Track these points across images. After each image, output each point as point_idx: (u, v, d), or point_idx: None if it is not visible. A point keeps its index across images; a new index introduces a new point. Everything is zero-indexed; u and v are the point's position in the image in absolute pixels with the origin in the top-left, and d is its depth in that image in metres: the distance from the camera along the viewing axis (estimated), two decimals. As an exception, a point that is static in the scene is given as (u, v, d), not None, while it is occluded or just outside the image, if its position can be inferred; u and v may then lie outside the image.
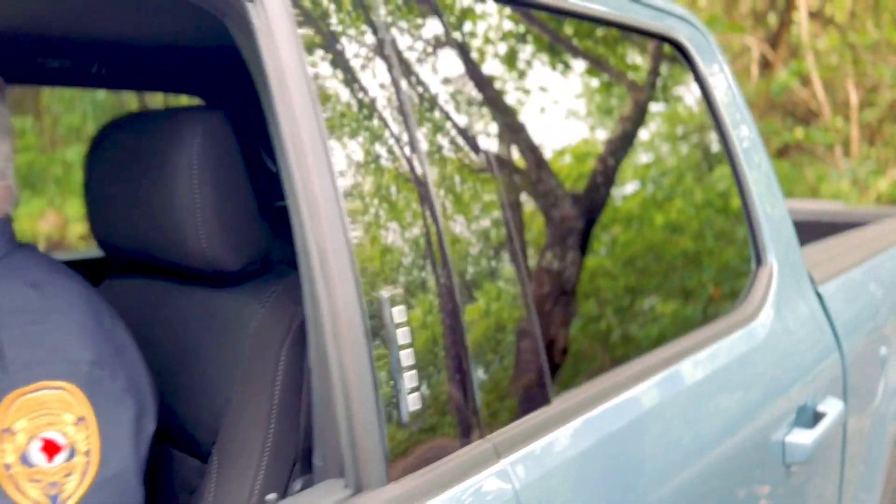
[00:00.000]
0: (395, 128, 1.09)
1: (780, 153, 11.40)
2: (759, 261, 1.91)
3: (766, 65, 12.07)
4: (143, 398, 1.10)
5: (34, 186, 6.52)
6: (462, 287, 1.12)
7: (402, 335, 1.00)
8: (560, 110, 1.51)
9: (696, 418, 1.47)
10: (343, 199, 0.99)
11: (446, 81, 1.20)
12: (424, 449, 1.02)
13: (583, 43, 1.63)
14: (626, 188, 1.66)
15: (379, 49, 1.11)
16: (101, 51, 2.04)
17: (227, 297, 1.29)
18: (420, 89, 1.15)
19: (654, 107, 1.82)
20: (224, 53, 1.47)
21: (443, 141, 1.16)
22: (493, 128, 1.29)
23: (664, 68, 1.87)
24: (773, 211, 1.99)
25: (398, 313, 1.01)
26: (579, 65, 1.60)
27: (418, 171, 1.10)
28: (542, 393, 1.21)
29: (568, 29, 1.58)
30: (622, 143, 1.68)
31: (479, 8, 1.35)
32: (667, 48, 1.86)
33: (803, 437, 1.69)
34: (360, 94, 1.06)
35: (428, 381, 1.04)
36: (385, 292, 1.00)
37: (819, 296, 2.04)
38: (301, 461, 1.15)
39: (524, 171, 1.35)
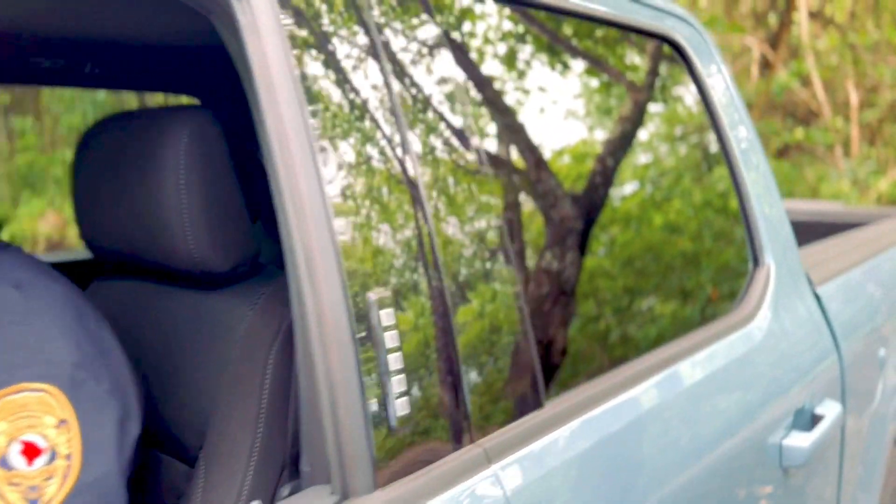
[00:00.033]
0: (385, 127, 1.07)
1: (781, 153, 11.39)
2: (757, 262, 1.89)
3: (766, 65, 12.07)
4: (128, 401, 1.09)
5: (34, 186, 6.51)
6: (453, 289, 1.10)
7: (391, 338, 0.99)
8: (556, 110, 1.49)
9: (691, 422, 1.45)
10: (330, 199, 0.97)
11: (437, 80, 1.18)
12: (413, 454, 1.00)
13: (582, 43, 1.62)
14: (625, 188, 1.65)
15: (368, 47, 1.09)
16: (94, 50, 2.03)
17: (216, 299, 1.28)
18: (410, 88, 1.13)
19: (647, 105, 1.80)
20: (219, 53, 1.46)
21: (434, 140, 1.14)
22: (486, 127, 1.27)
23: (663, 68, 1.85)
24: (770, 211, 1.97)
25: (386, 316, 0.99)
26: (575, 64, 1.59)
27: (409, 171, 1.08)
28: (534, 396, 1.19)
29: (564, 27, 1.56)
30: (619, 144, 1.66)
31: (472, 5, 1.33)
32: (664, 48, 1.85)
33: (801, 441, 1.67)
34: (349, 93, 1.04)
35: (417, 385, 1.02)
36: (373, 294, 0.98)
37: (817, 297, 2.02)
38: (289, 466, 1.14)
39: (517, 171, 1.34)
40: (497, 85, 1.34)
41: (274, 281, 1.26)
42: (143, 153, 1.23)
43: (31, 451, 0.97)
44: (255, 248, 1.28)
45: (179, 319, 1.31)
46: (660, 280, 1.68)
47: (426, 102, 1.15)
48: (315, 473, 0.99)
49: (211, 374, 1.24)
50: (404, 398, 0.99)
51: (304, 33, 1.02)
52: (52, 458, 0.98)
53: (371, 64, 1.09)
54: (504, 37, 1.38)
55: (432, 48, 1.19)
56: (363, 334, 0.96)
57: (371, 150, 1.05)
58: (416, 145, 1.10)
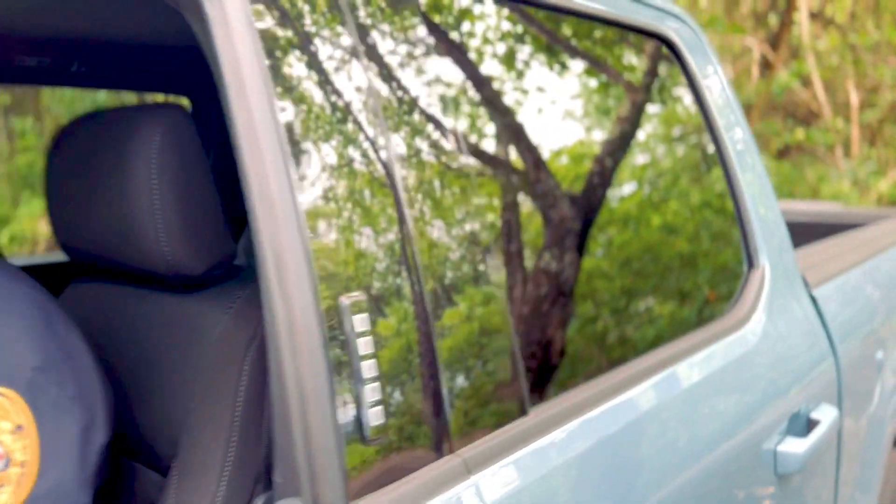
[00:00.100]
0: (362, 125, 1.03)
1: (781, 154, 11.37)
2: (752, 263, 1.85)
3: (766, 66, 12.06)
4: (94, 408, 1.05)
5: (34, 187, 6.48)
6: (433, 294, 1.06)
7: (365, 345, 0.95)
8: (549, 110, 1.45)
9: (682, 429, 1.41)
10: (300, 199, 0.93)
11: (417, 77, 1.14)
12: (387, 466, 0.96)
13: (581, 43, 1.58)
14: (622, 189, 1.61)
15: (345, 41, 1.05)
16: (80, 49, 2.00)
17: (191, 302, 1.24)
18: (389, 85, 1.09)
19: (645, 106, 1.77)
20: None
21: (414, 140, 1.10)
22: (472, 127, 1.23)
23: (661, 69, 1.81)
24: (765, 213, 1.93)
25: (360, 321, 0.95)
26: (573, 64, 1.55)
27: (386, 171, 1.04)
28: (518, 404, 1.15)
29: (560, 26, 1.52)
30: (617, 145, 1.62)
31: (466, 2, 1.29)
32: (660, 47, 1.81)
33: (796, 446, 1.63)
34: (323, 89, 1.00)
35: (393, 393, 0.98)
36: (346, 299, 0.94)
37: (813, 299, 1.98)
38: (264, 477, 1.10)
39: (508, 171, 1.30)
40: (488, 84, 1.30)
41: (251, 284, 1.22)
42: (115, 153, 1.19)
43: None
44: (230, 250, 1.24)
45: (153, 323, 1.27)
46: (656, 282, 1.64)
47: (406, 100, 1.11)
48: (287, 485, 0.95)
49: (184, 380, 1.20)
50: (379, 407, 0.95)
51: (276, 27, 0.98)
52: (7, 465, 0.94)
53: (348, 59, 1.05)
54: (497, 35, 1.35)
55: (413, 43, 1.16)
56: (335, 340, 0.93)
57: (347, 150, 1.01)
58: (394, 145, 1.06)
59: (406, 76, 1.12)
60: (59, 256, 2.26)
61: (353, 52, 1.06)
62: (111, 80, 2.26)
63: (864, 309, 2.31)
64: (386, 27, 1.12)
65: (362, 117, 1.04)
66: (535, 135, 1.39)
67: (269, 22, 0.98)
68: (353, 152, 1.01)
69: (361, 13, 1.09)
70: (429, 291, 1.05)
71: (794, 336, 1.84)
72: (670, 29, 1.81)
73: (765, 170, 2.02)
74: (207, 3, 0.94)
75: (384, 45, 1.10)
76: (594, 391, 1.27)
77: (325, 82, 1.01)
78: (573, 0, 1.51)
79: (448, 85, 1.20)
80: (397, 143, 1.07)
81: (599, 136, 1.60)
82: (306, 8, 1.02)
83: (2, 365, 0.98)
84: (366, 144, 1.03)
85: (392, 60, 1.11)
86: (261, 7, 0.97)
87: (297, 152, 0.95)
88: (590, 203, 1.49)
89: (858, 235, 2.80)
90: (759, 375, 1.67)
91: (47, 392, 0.99)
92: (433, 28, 1.21)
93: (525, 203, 1.32)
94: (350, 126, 1.02)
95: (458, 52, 1.26)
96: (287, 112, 0.96)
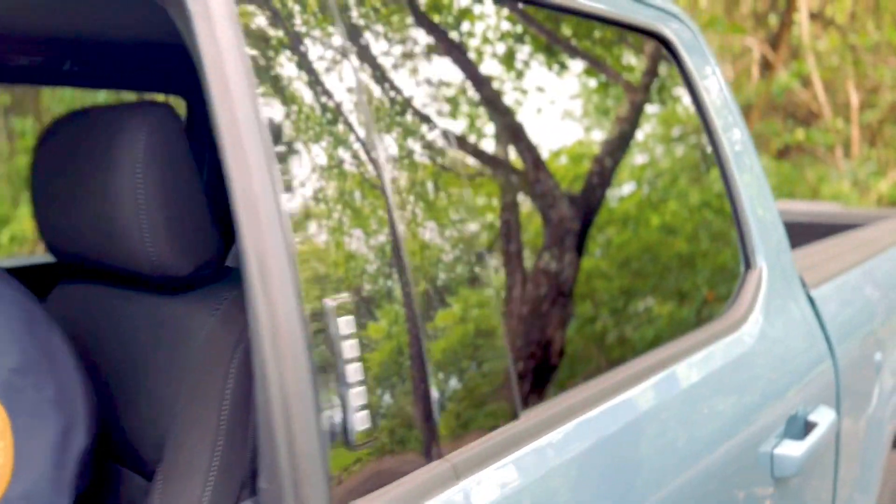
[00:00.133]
0: (347, 123, 1.01)
1: (781, 154, 11.37)
2: (749, 264, 1.83)
3: (766, 66, 12.06)
4: (75, 411, 1.03)
5: (34, 187, 6.46)
6: (422, 296, 1.04)
7: (350, 348, 0.93)
8: (531, 109, 1.43)
9: (677, 432, 1.39)
10: (285, 199, 0.91)
11: (403, 74, 1.12)
12: (373, 471, 0.94)
13: (580, 43, 1.56)
14: (620, 189, 1.59)
15: (332, 36, 1.03)
16: (72, 48, 1.98)
17: (177, 304, 1.22)
18: (378, 82, 1.07)
19: (644, 106, 1.75)
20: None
21: (401, 140, 1.08)
22: (459, 126, 1.21)
23: (661, 69, 1.79)
24: (763, 214, 1.91)
25: (346, 324, 0.93)
26: (570, 63, 1.53)
27: (373, 171, 1.02)
28: (509, 407, 1.13)
29: (553, 23, 1.50)
30: (616, 145, 1.60)
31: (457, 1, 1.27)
32: (658, 47, 1.79)
33: (793, 449, 1.61)
34: (309, 86, 0.98)
35: (380, 398, 0.96)
36: (331, 301, 0.92)
37: (811, 300, 1.96)
38: (249, 483, 1.08)
39: (499, 171, 1.28)
40: (482, 83, 1.28)
41: (239, 286, 1.20)
42: (101, 152, 1.18)
43: None
44: (217, 251, 1.22)
45: (140, 325, 1.25)
46: (654, 282, 1.62)
47: (395, 99, 1.09)
48: (271, 491, 0.93)
49: (170, 383, 1.18)
50: (365, 411, 0.93)
51: (261, 22, 0.96)
52: None
53: (335, 57, 1.03)
54: (493, 34, 1.33)
55: (403, 41, 1.14)
56: (320, 343, 0.91)
57: (333, 150, 0.99)
58: (382, 145, 1.04)
59: (395, 75, 1.10)
60: (49, 257, 2.25)
61: (342, 50, 1.04)
62: (105, 79, 2.24)
63: (863, 310, 2.29)
64: (376, 24, 1.10)
65: (350, 116, 1.02)
66: (531, 134, 1.37)
67: (253, 17, 0.96)
68: (339, 152, 0.99)
69: (351, 9, 1.07)
70: (417, 294, 1.03)
71: (791, 337, 1.82)
72: (667, 28, 1.79)
73: (762, 171, 2.00)
74: (190, -1, 0.92)
75: (374, 43, 1.08)
76: (586, 394, 1.25)
77: (311, 80, 0.99)
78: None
79: (437, 84, 1.18)
80: (386, 144, 1.05)
81: (599, 136, 1.58)
82: (293, 3, 1.00)
83: None
84: (353, 144, 1.01)
85: (381, 58, 1.09)
86: (246, 2, 0.95)
87: (281, 152, 0.93)
88: (589, 203, 1.47)
89: (857, 236, 2.78)
90: (755, 377, 1.65)
91: (24, 394, 0.98)
92: (424, 25, 1.19)
93: (523, 203, 1.30)
94: (337, 125, 1.00)
95: (452, 50, 1.24)
96: (272, 110, 0.93)
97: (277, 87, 0.95)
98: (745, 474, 1.53)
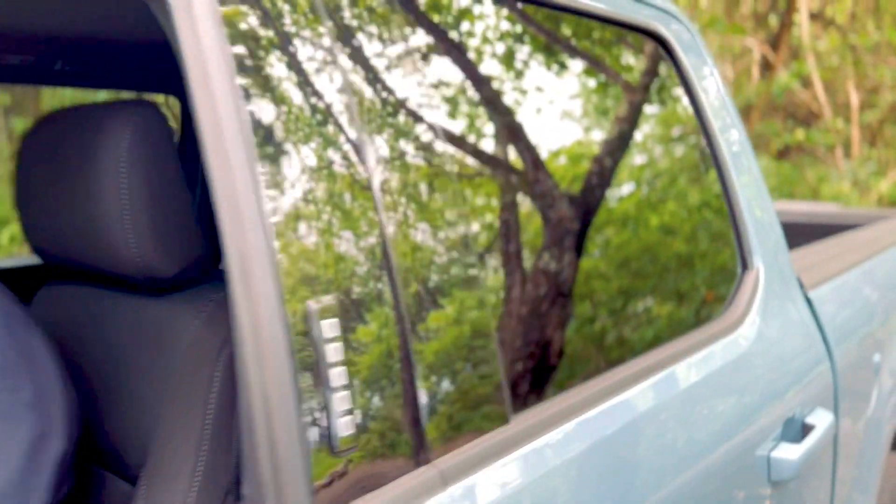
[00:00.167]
0: (333, 121, 0.99)
1: (781, 154, 11.37)
2: (745, 265, 1.81)
3: (767, 66, 12.06)
4: (52, 416, 1.01)
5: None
6: (410, 298, 1.02)
7: (334, 351, 0.91)
8: (519, 108, 1.41)
9: (671, 436, 1.37)
10: (267, 198, 0.89)
11: (390, 72, 1.10)
12: (358, 477, 0.92)
13: (580, 42, 1.54)
14: (620, 190, 1.57)
15: (315, 33, 1.01)
16: (64, 47, 1.96)
17: (162, 306, 1.20)
18: (365, 79, 1.05)
19: (642, 106, 1.72)
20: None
21: (391, 139, 1.06)
22: (452, 125, 1.19)
23: (653, 67, 1.77)
24: (760, 214, 1.89)
25: (329, 327, 0.91)
26: (568, 63, 1.51)
27: (359, 171, 1.00)
28: (499, 412, 1.11)
29: (549, 22, 1.48)
30: (615, 145, 1.58)
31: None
32: (654, 45, 1.76)
33: (790, 453, 1.59)
34: (291, 82, 0.96)
35: (365, 402, 0.94)
36: (314, 303, 0.90)
37: (809, 301, 1.94)
38: (234, 489, 1.06)
39: (489, 172, 1.26)
40: (475, 83, 1.26)
41: (226, 287, 1.18)
42: (85, 151, 1.16)
43: None
44: (204, 252, 1.20)
45: (125, 327, 1.23)
46: (653, 282, 1.60)
47: (382, 97, 1.07)
48: (255, 498, 0.91)
49: (155, 386, 1.16)
50: (349, 416, 0.91)
51: (244, 16, 0.94)
52: None
53: (321, 53, 1.01)
54: (485, 32, 1.31)
55: (390, 35, 1.11)
56: (303, 347, 0.88)
57: (318, 149, 0.96)
58: (369, 144, 1.02)
59: (381, 72, 1.08)
60: (25, 259, 2.23)
61: (328, 47, 1.01)
62: (99, 79, 2.22)
63: (862, 311, 2.27)
64: (363, 20, 1.08)
65: (335, 115, 0.99)
66: (531, 134, 1.35)
67: (237, 12, 0.93)
68: (325, 152, 0.97)
69: (339, 5, 1.05)
70: (405, 296, 1.01)
71: (788, 339, 1.80)
72: (664, 27, 1.77)
73: (760, 171, 1.98)
74: (170, -9, 0.90)
75: (361, 40, 1.06)
76: (578, 398, 1.22)
77: (296, 78, 0.97)
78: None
79: (424, 82, 1.16)
80: (373, 143, 1.03)
81: (598, 136, 1.56)
82: None
83: None
84: (339, 144, 0.99)
85: (368, 55, 1.07)
86: (228, -1, 0.93)
87: (264, 151, 0.91)
88: (588, 203, 1.45)
89: (856, 236, 2.76)
90: (752, 380, 1.63)
91: None
92: (414, 22, 1.17)
93: (522, 203, 1.28)
94: (322, 124, 0.98)
95: (443, 48, 1.22)
96: (254, 108, 0.91)
97: (261, 85, 0.93)
98: (740, 478, 1.51)
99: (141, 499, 1.08)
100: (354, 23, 1.06)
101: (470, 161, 1.20)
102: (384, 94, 1.07)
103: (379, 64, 1.08)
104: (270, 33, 0.96)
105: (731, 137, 1.88)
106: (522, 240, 1.27)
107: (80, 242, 1.19)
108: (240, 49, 0.92)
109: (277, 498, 0.85)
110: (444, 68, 1.19)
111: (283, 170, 0.92)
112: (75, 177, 1.16)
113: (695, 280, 1.73)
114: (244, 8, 0.94)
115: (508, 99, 1.31)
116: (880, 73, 10.79)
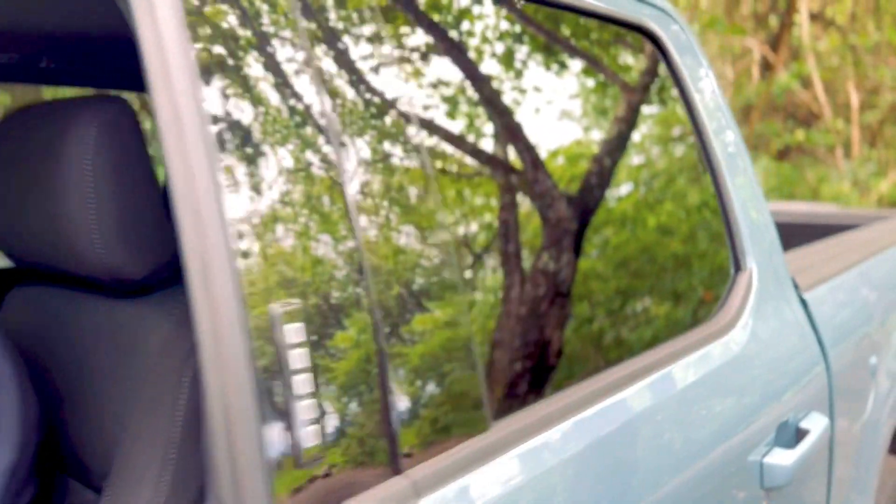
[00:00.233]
0: (300, 118, 0.95)
1: (781, 155, 11.34)
2: (738, 266, 1.77)
3: (767, 67, 12.04)
4: (7, 425, 0.97)
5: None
6: (382, 302, 0.98)
7: (299, 357, 0.86)
8: (508, 108, 1.37)
9: (659, 444, 1.32)
10: (228, 198, 0.85)
11: (365, 65, 1.06)
12: (324, 490, 0.87)
13: (580, 42, 1.50)
14: (616, 190, 1.53)
15: (281, 25, 0.97)
16: (47, 44, 1.93)
17: (132, 308, 1.16)
18: (334, 72, 1.01)
19: (640, 106, 1.68)
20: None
21: (362, 137, 1.02)
22: (451, 126, 1.15)
23: (652, 67, 1.73)
24: (755, 216, 1.85)
25: (294, 331, 0.87)
26: (563, 63, 1.47)
27: (327, 171, 0.96)
28: (477, 419, 1.07)
29: (549, 22, 1.44)
30: (610, 145, 1.54)
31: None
32: (647, 44, 1.72)
33: (783, 458, 1.55)
34: (257, 77, 0.92)
35: (333, 411, 0.90)
36: (278, 307, 0.86)
37: (804, 302, 1.90)
38: (202, 500, 1.02)
39: (477, 172, 1.22)
40: (479, 82, 1.22)
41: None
42: (49, 149, 1.12)
43: None
44: (175, 253, 1.16)
45: (92, 330, 1.19)
46: (651, 283, 1.56)
47: (351, 96, 1.03)
48: (216, 511, 0.87)
49: (121, 391, 1.12)
50: (315, 426, 0.87)
51: (206, 7, 0.90)
52: None
53: (286, 47, 0.96)
54: (482, 31, 1.27)
55: (361, 33, 1.07)
56: (264, 353, 0.84)
57: (285, 146, 0.92)
58: (337, 141, 0.98)
59: (352, 70, 1.04)
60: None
61: (292, 42, 0.97)
62: (85, 77, 2.19)
63: (858, 312, 2.23)
64: (332, 15, 1.04)
65: (302, 111, 0.95)
66: (529, 134, 1.31)
67: (199, 3, 0.89)
68: (291, 150, 0.93)
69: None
70: (378, 301, 0.97)
71: (782, 341, 1.76)
72: (657, 26, 1.73)
73: (755, 173, 1.94)
74: (129, -19, 0.86)
75: (330, 34, 1.02)
76: (559, 405, 1.18)
77: (259, 73, 0.93)
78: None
79: (398, 80, 1.12)
80: (341, 141, 0.98)
81: (597, 136, 1.52)
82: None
83: None
84: (306, 141, 0.95)
85: (338, 52, 1.03)
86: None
87: (226, 149, 0.87)
88: (586, 204, 1.41)
89: (853, 237, 2.72)
90: (744, 383, 1.59)
91: None
92: (412, 21, 1.13)
93: (521, 203, 1.24)
94: (289, 121, 0.94)
95: (431, 46, 1.18)
96: (216, 104, 0.87)
97: (223, 80, 0.89)
98: (732, 486, 1.47)
99: (105, 508, 1.04)
100: (323, 15, 1.02)
101: (469, 161, 1.16)
102: (346, 90, 1.03)
103: (348, 57, 1.04)
104: (234, 28, 0.92)
105: (726, 139, 1.84)
106: (521, 240, 1.23)
107: (46, 243, 1.15)
108: (201, 42, 0.88)
109: (238, 511, 0.81)
110: (442, 68, 1.15)
111: (246, 168, 0.88)
112: (40, 175, 1.12)
113: (693, 280, 1.69)
114: (208, 2, 0.90)
115: (507, 99, 1.27)
116: (880, 73, 10.76)
